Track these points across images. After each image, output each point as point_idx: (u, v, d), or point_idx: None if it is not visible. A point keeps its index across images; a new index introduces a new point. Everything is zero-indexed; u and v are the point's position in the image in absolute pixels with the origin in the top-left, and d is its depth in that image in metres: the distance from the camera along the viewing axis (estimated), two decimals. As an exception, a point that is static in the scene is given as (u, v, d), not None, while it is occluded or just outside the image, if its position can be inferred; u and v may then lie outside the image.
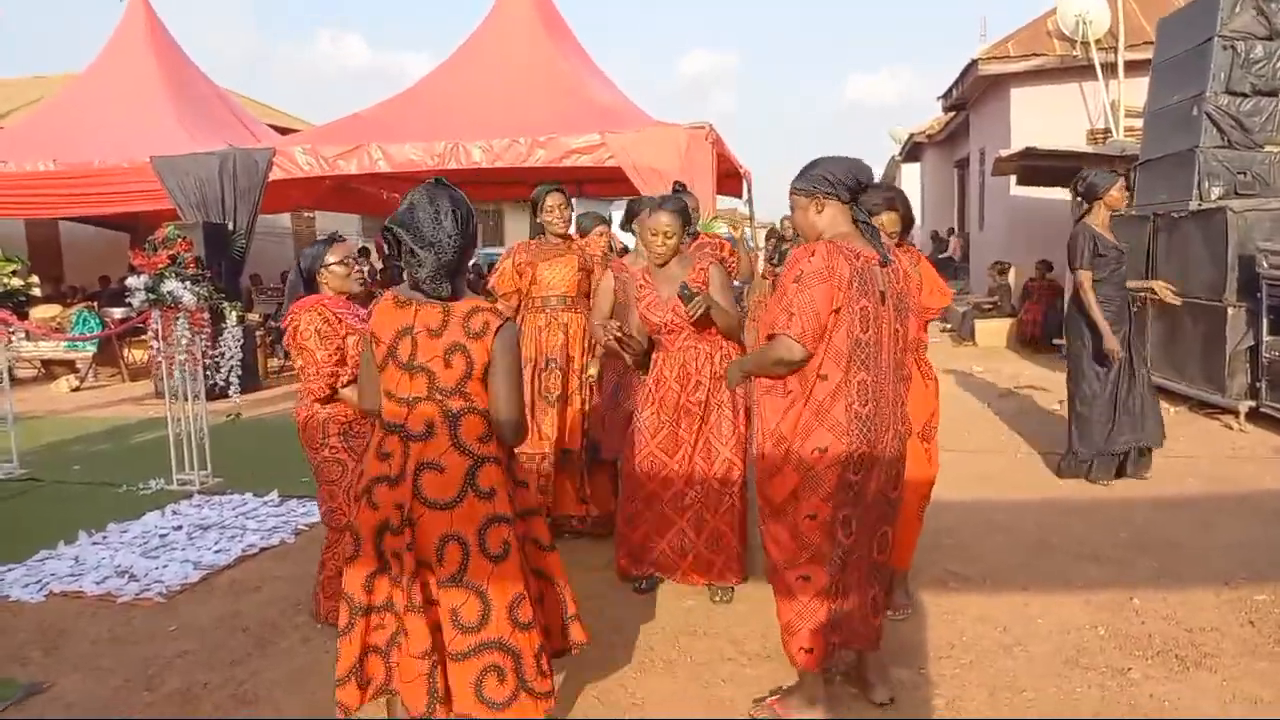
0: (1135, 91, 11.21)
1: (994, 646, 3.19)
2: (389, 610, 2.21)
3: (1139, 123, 10.90)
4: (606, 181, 10.87)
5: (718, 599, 3.60)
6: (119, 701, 2.97)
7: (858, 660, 2.84)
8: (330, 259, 3.30)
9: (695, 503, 3.57)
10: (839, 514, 2.53)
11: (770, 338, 2.54)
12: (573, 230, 4.66)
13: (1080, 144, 10.74)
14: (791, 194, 2.67)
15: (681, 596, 3.69)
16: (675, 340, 3.58)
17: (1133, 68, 10.96)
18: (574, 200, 4.84)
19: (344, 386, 3.17)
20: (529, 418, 4.09)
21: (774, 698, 2.72)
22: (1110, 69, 11.26)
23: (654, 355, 3.68)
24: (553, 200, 4.30)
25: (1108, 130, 11.25)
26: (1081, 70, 11.42)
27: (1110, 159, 9.07)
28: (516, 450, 2.40)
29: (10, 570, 4.13)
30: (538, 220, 4.39)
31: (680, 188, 4.66)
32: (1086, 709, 2.75)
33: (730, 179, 10.44)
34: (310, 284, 3.34)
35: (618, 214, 5.45)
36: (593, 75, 10.34)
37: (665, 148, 8.08)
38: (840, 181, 2.58)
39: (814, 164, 2.65)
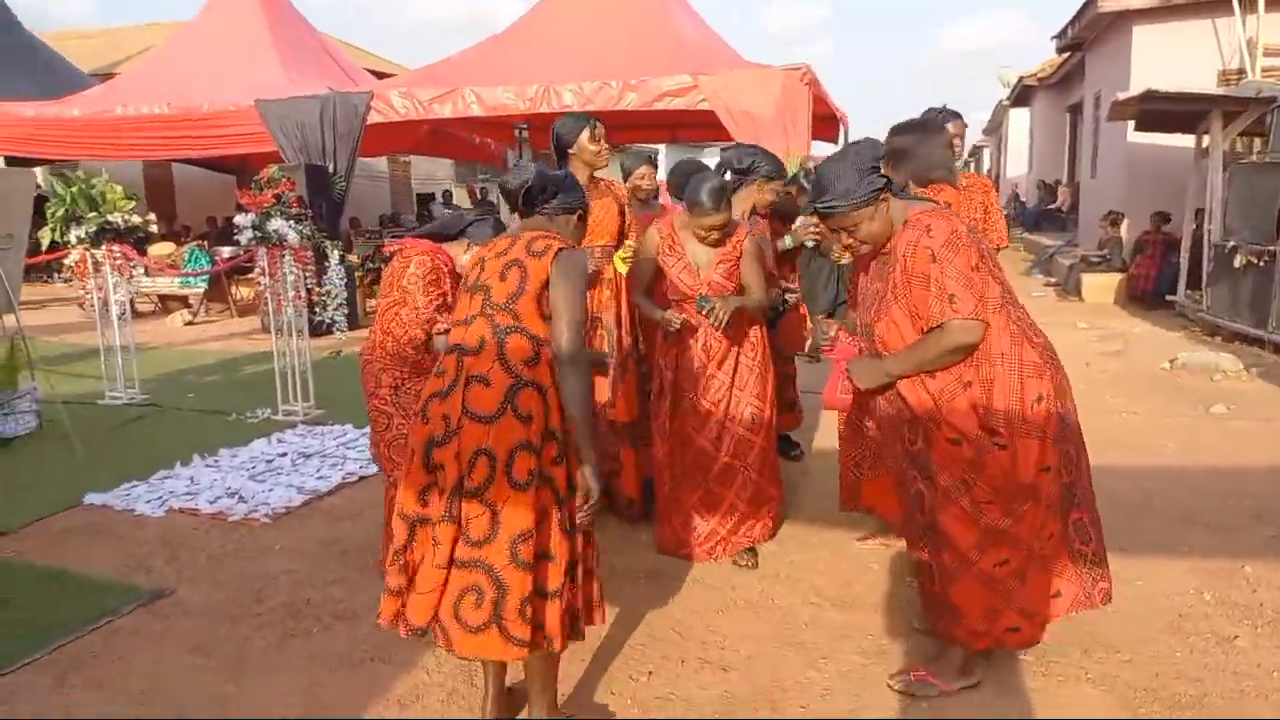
0: (1276, 27, 10.35)
1: (1089, 605, 3.09)
2: (428, 523, 2.22)
3: (1279, 61, 10.09)
4: (700, 126, 10.70)
5: (744, 563, 3.44)
6: (232, 610, 3.17)
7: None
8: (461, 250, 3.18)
9: (732, 472, 3.41)
10: (1064, 450, 2.47)
11: (931, 330, 2.36)
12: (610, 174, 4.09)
13: (1210, 85, 10.00)
14: (844, 215, 2.43)
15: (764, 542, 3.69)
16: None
17: (1275, 1, 10.10)
18: (663, 148, 4.44)
19: (440, 334, 3.06)
20: None
21: (921, 672, 2.60)
22: (1249, 2, 10.39)
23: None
24: (601, 130, 3.63)
25: (1242, 70, 10.44)
26: (1214, 4, 10.57)
27: (1244, 101, 8.42)
28: None
29: (135, 486, 4.44)
30: (572, 153, 3.62)
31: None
32: (1186, 674, 2.65)
33: (825, 123, 10.13)
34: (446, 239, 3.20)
35: (711, 160, 5.01)
36: (685, 14, 10.11)
37: (760, 90, 7.87)
38: (874, 169, 2.42)
39: (834, 176, 2.44)
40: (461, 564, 2.15)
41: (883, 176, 2.43)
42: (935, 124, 3.53)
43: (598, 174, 3.76)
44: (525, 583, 2.12)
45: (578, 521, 2.25)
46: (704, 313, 3.23)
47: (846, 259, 4.34)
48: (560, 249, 2.24)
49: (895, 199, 2.48)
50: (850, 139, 10.84)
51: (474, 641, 2.14)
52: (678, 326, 3.34)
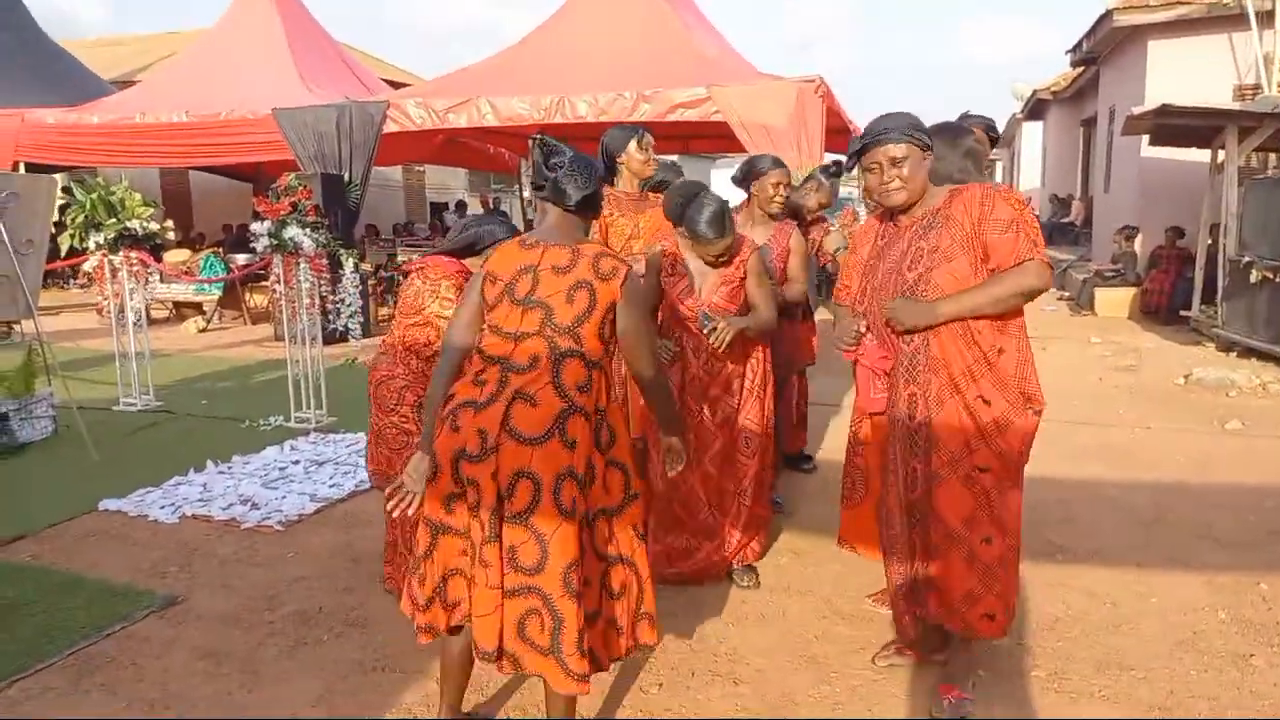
0: (1292, 43, 10.32)
1: (1102, 622, 3.08)
2: (467, 537, 2.15)
3: (1294, 77, 10.04)
4: (712, 138, 10.74)
5: (745, 583, 3.37)
6: (244, 617, 3.19)
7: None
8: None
9: (728, 497, 3.36)
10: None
11: (1010, 269, 2.37)
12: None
13: (1225, 101, 9.97)
14: (894, 146, 2.44)
15: (776, 554, 3.69)
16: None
17: (1291, 17, 10.07)
18: (677, 159, 4.41)
19: None
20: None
21: (951, 693, 2.54)
22: (1266, 17, 10.36)
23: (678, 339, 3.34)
24: (651, 139, 3.67)
25: (1258, 86, 10.40)
26: (1230, 19, 10.54)
27: (1259, 116, 8.39)
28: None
29: (149, 492, 4.46)
30: (621, 163, 3.66)
31: (835, 169, 4.62)
32: (1201, 693, 2.63)
33: (839, 135, 10.15)
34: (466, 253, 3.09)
35: (718, 174, 5.02)
36: (700, 26, 10.16)
37: (774, 102, 7.90)
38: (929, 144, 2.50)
39: (903, 117, 2.50)
40: (513, 592, 2.07)
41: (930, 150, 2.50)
42: (958, 130, 3.25)
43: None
44: (578, 614, 2.06)
45: (671, 474, 2.43)
46: (705, 331, 3.12)
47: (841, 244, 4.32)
48: (628, 272, 2.17)
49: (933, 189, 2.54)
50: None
51: (542, 662, 2.08)
52: (667, 357, 3.29)
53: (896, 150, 2.44)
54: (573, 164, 2.22)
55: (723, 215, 3.13)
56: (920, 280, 2.48)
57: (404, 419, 3.10)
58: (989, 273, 2.42)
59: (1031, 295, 2.41)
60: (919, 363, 2.48)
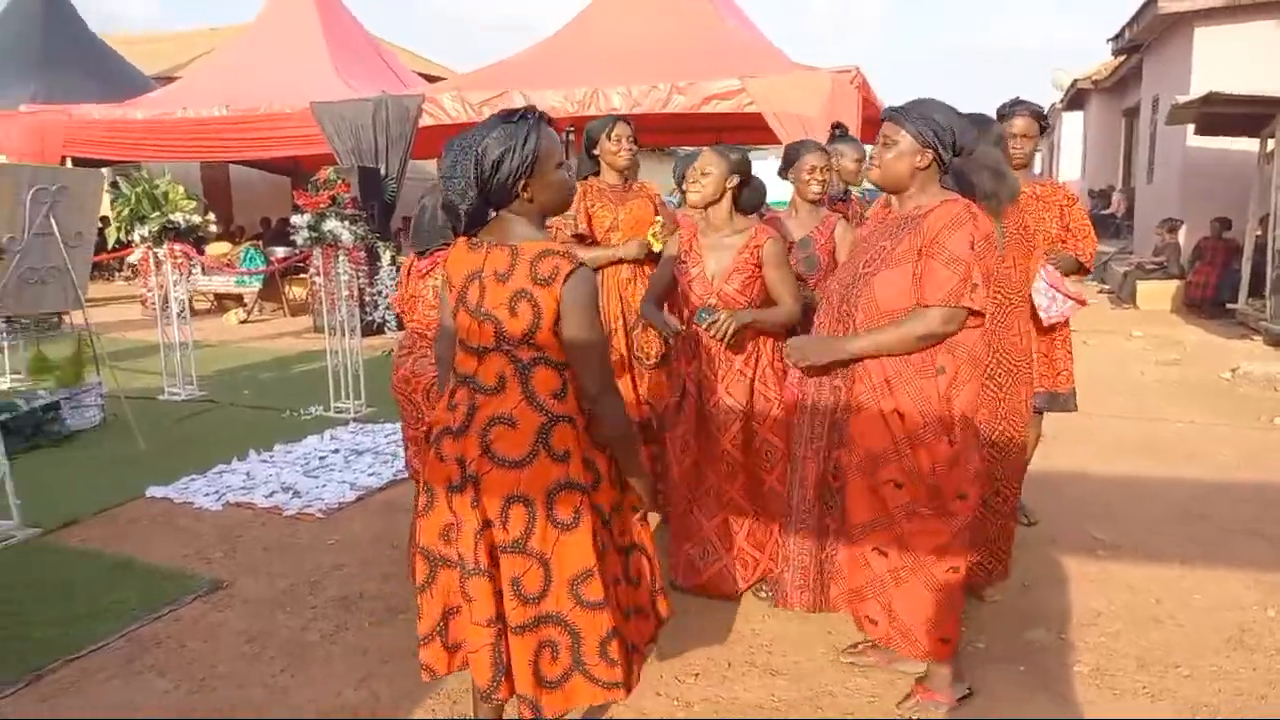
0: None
1: (1145, 617, 3.04)
2: (460, 569, 1.99)
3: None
4: (747, 129, 10.67)
5: (763, 595, 3.19)
6: (287, 602, 3.25)
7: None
8: None
9: (742, 509, 3.15)
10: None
11: (927, 309, 2.31)
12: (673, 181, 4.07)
13: (1275, 88, 9.71)
14: (897, 128, 2.37)
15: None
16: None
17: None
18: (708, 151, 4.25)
19: None
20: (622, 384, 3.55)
21: (920, 693, 2.53)
22: (1316, 3, 10.08)
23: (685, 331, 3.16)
24: (624, 129, 3.64)
25: (1309, 73, 10.12)
26: (1279, 4, 10.27)
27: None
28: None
29: (194, 480, 4.56)
30: (596, 153, 3.69)
31: (840, 131, 4.44)
32: (1249, 691, 2.59)
33: (874, 125, 10.04)
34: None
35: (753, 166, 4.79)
36: (734, 16, 10.10)
37: (808, 93, 7.83)
38: (949, 144, 2.36)
39: (932, 107, 2.37)
40: (521, 629, 1.95)
41: (947, 151, 2.37)
42: (984, 119, 3.00)
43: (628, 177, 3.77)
44: (601, 622, 1.94)
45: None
46: (705, 326, 2.93)
47: None
48: (569, 271, 1.89)
49: (938, 182, 2.43)
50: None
51: (559, 697, 1.98)
52: (669, 335, 3.19)
53: (891, 131, 2.40)
54: (449, 169, 1.92)
55: (740, 157, 3.08)
56: (860, 281, 2.45)
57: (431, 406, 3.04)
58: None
59: (933, 340, 2.33)
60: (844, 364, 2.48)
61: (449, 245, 3.04)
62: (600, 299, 3.48)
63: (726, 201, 3.07)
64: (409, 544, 3.24)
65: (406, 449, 3.25)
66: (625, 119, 3.70)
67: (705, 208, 3.10)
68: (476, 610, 1.96)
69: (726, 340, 2.92)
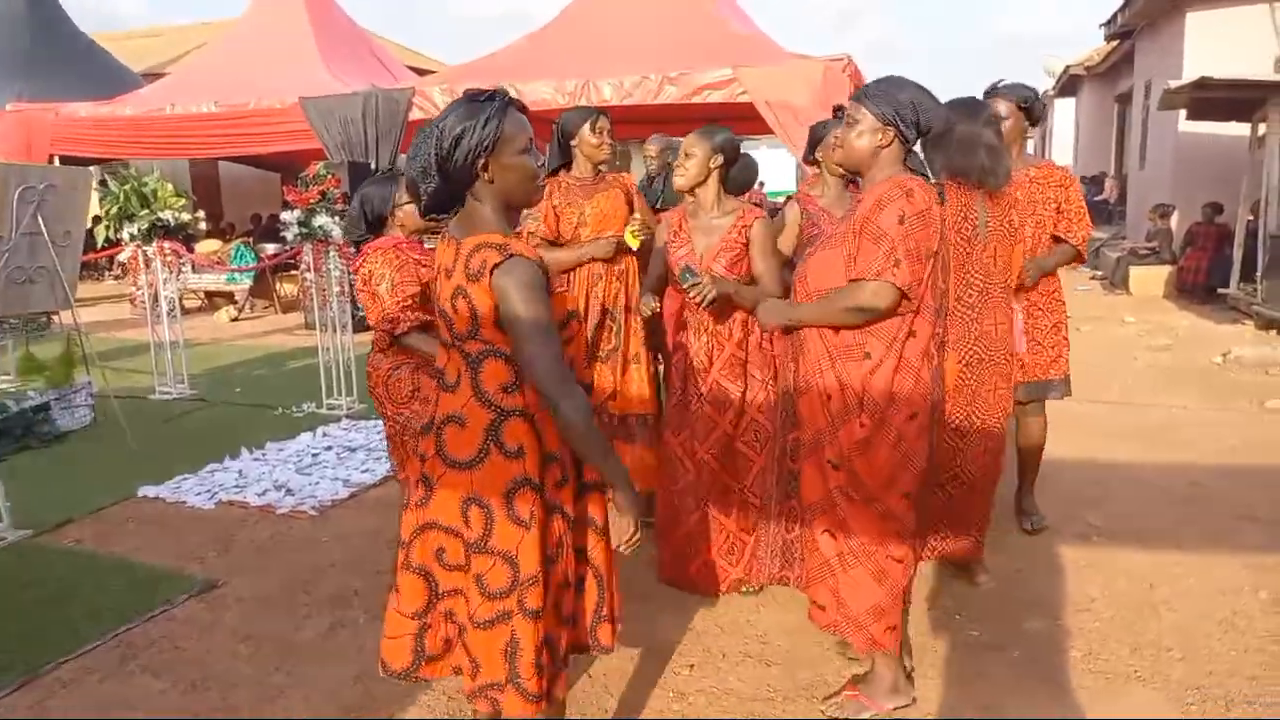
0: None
1: (1139, 603, 3.04)
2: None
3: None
4: (740, 119, 10.64)
5: (748, 590, 3.18)
6: (281, 600, 3.24)
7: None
8: (402, 198, 2.98)
9: (729, 493, 3.09)
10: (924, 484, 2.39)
11: (854, 283, 2.27)
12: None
13: (1267, 72, 9.71)
14: (859, 107, 2.33)
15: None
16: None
17: (1333, -16, 9.77)
18: None
19: (410, 333, 2.91)
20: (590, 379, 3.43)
21: (851, 691, 2.51)
22: (1306, -14, 10.07)
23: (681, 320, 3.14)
24: (606, 122, 3.55)
25: (1300, 56, 10.12)
26: (1271, -11, 10.27)
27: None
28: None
29: (186, 479, 4.55)
30: (574, 145, 3.58)
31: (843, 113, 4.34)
32: (1241, 672, 2.60)
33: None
34: (375, 226, 3.06)
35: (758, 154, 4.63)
36: (725, 5, 10.06)
37: (800, 82, 7.80)
38: (910, 122, 2.29)
39: (896, 85, 2.32)
40: (480, 624, 1.89)
41: (912, 130, 2.30)
42: (973, 104, 3.01)
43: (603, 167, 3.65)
44: (538, 633, 1.88)
45: (623, 552, 2.00)
46: (685, 286, 2.84)
47: None
48: (495, 264, 1.78)
49: (902, 163, 2.34)
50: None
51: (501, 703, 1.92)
52: (648, 314, 3.17)
53: (853, 110, 2.36)
54: (413, 149, 1.87)
55: (725, 136, 3.07)
56: (808, 257, 2.47)
57: (425, 401, 3.01)
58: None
59: (862, 315, 2.28)
60: (796, 341, 2.48)
61: (373, 237, 3.05)
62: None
63: (713, 183, 3.04)
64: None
65: (393, 451, 3.21)
66: (604, 111, 3.60)
67: (691, 190, 3.06)
68: (404, 603, 1.98)
69: (705, 304, 2.83)
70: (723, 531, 3.11)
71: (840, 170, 3.23)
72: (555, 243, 3.55)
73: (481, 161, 1.83)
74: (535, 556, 1.87)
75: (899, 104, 2.29)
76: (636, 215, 3.56)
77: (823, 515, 2.42)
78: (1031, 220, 3.40)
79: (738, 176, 3.11)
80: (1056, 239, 3.52)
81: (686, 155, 3.02)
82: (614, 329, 3.59)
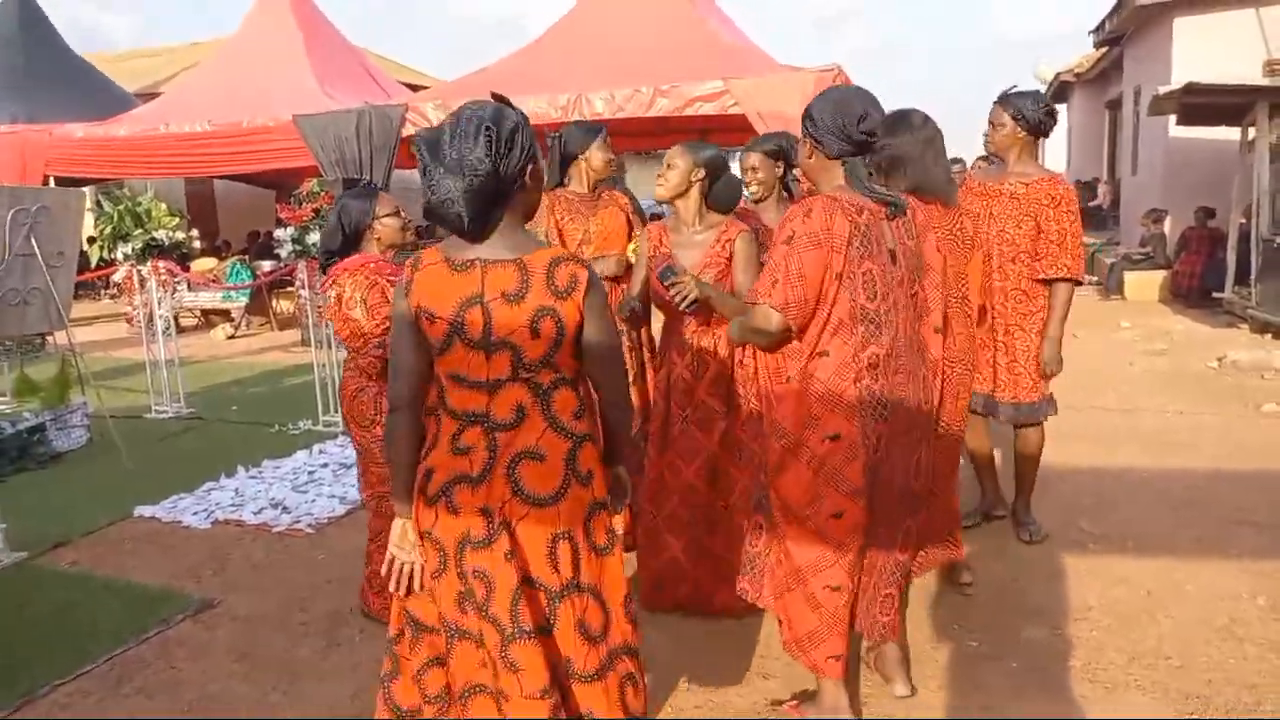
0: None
1: (1136, 610, 3.04)
2: (498, 634, 1.77)
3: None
4: (731, 130, 10.68)
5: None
6: (277, 619, 3.23)
7: (877, 652, 2.62)
8: (381, 211, 2.94)
9: (716, 516, 3.03)
10: (868, 510, 2.26)
11: (753, 304, 2.26)
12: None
13: (1255, 76, 9.77)
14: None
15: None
16: (689, 322, 3.02)
17: (1320, -11, 9.85)
18: None
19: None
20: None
21: (793, 702, 2.52)
22: (1293, -9, 10.14)
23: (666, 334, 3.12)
24: (602, 141, 3.50)
25: (1288, 61, 10.18)
26: (1258, -7, 10.34)
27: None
28: None
29: (182, 499, 4.53)
30: (582, 160, 3.51)
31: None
32: (1240, 681, 2.59)
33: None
34: (352, 240, 2.95)
35: (738, 167, 4.67)
36: (716, 18, 10.12)
37: (791, 92, 7.83)
38: (827, 129, 2.20)
39: (820, 98, 2.26)
40: (597, 674, 1.79)
41: (830, 140, 2.22)
42: (921, 122, 2.86)
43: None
44: (640, 636, 1.91)
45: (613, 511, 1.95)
46: (666, 285, 2.79)
47: None
48: (589, 280, 1.75)
49: (835, 171, 2.25)
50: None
51: None
52: (626, 314, 3.17)
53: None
54: (443, 158, 1.67)
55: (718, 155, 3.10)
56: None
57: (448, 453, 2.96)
58: None
59: (761, 336, 2.25)
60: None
61: (340, 257, 2.89)
62: None
63: (694, 196, 3.02)
64: (366, 577, 3.16)
65: (360, 473, 3.13)
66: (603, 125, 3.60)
67: (672, 201, 3.06)
68: (528, 682, 1.73)
69: (686, 305, 2.76)
70: (710, 557, 3.05)
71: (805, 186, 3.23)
72: None
73: (530, 166, 1.73)
74: (621, 572, 1.87)
75: (809, 118, 2.26)
76: (640, 234, 3.50)
77: (770, 534, 2.41)
78: (976, 240, 3.25)
79: (721, 193, 3.08)
80: (1045, 281, 3.34)
81: (669, 166, 3.01)
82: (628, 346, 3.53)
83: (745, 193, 3.33)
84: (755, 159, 3.20)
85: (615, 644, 1.84)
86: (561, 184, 3.55)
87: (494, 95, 1.78)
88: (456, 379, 1.78)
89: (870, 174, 2.28)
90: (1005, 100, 3.41)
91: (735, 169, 3.67)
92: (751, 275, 2.96)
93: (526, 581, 1.77)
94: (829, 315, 2.20)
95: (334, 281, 2.88)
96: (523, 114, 1.76)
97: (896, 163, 2.75)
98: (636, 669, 1.89)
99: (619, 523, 1.99)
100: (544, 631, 1.78)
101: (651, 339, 3.60)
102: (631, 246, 3.52)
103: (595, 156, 3.49)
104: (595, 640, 1.80)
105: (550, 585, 1.77)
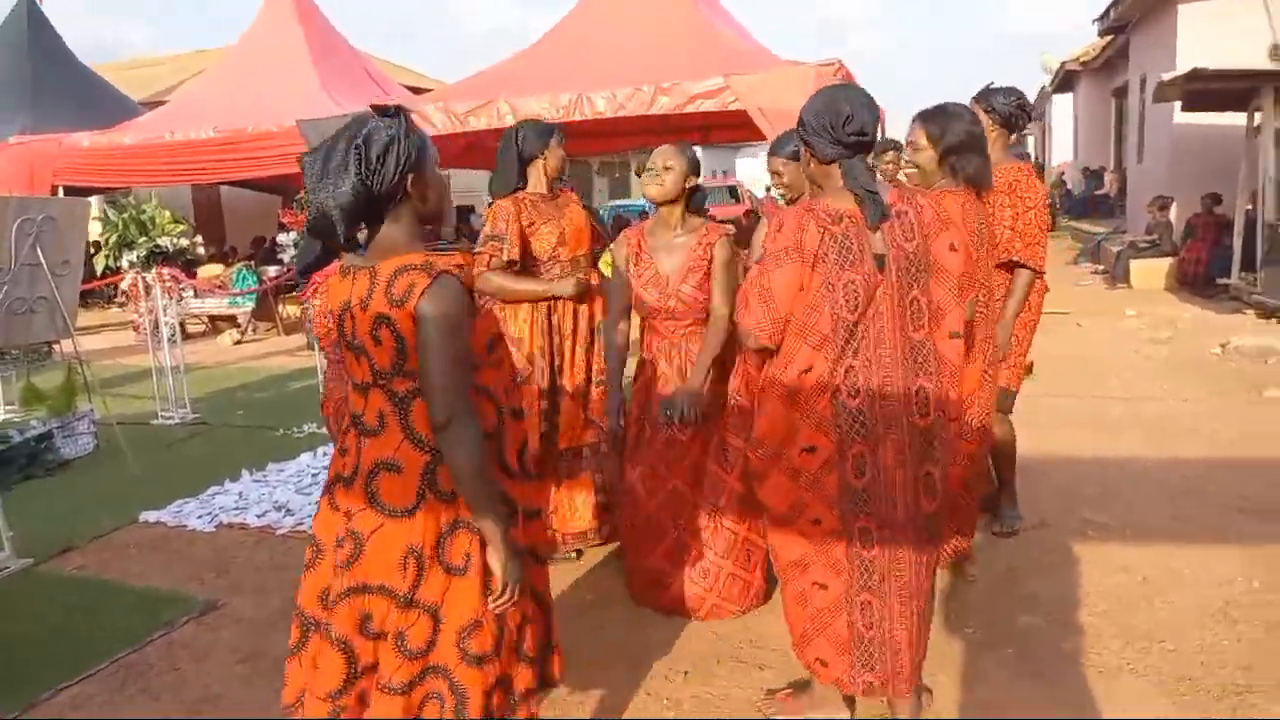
0: (1326, -1, 10.01)
1: (1133, 596, 3.04)
2: (320, 632, 1.79)
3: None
4: (732, 127, 10.69)
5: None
6: (280, 621, 3.26)
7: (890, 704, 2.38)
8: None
9: (713, 520, 3.02)
10: (852, 524, 2.18)
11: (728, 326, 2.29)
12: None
13: (1260, 62, 9.71)
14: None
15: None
16: (676, 327, 3.04)
17: (1324, -28, 9.77)
18: (700, 149, 4.04)
19: None
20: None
21: (786, 691, 2.54)
22: (1296, -26, 10.07)
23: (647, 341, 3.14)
24: (559, 139, 3.46)
25: (1292, 45, 10.12)
26: (1261, -22, 10.27)
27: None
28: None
29: (187, 503, 4.58)
30: (543, 159, 3.44)
31: None
32: (1233, 662, 2.59)
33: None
34: (331, 251, 2.98)
35: (742, 163, 4.73)
36: (717, 15, 10.12)
37: (792, 88, 7.80)
38: (815, 132, 2.13)
39: (810, 100, 2.18)
40: (403, 688, 1.74)
41: (821, 143, 2.13)
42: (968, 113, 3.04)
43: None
44: (487, 679, 1.75)
45: (494, 611, 1.77)
46: (672, 421, 2.90)
47: None
48: (425, 286, 1.65)
49: (833, 173, 2.16)
50: (886, 133, 10.76)
51: None
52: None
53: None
54: (318, 174, 1.69)
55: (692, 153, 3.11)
56: None
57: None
58: None
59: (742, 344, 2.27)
60: None
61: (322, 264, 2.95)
62: (519, 330, 3.37)
63: (682, 200, 3.03)
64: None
65: None
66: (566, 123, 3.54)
67: (662, 205, 3.04)
68: (321, 682, 1.76)
69: (699, 420, 2.89)
70: (695, 561, 3.03)
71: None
72: (511, 264, 3.36)
73: (411, 176, 1.72)
74: (476, 600, 1.75)
75: (802, 121, 2.18)
76: (613, 247, 3.38)
77: (768, 534, 2.42)
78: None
79: (698, 195, 3.11)
80: (1008, 264, 3.28)
81: (666, 168, 2.98)
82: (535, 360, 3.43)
83: (775, 194, 3.31)
84: (779, 163, 3.05)
85: (434, 663, 1.75)
86: (520, 186, 3.47)
87: (373, 106, 1.75)
88: (349, 380, 1.83)
89: (870, 174, 2.16)
90: (980, 98, 3.45)
91: (739, 167, 3.67)
92: (723, 281, 2.96)
93: (360, 590, 1.74)
94: (805, 328, 2.13)
95: (316, 290, 2.93)
96: (405, 125, 1.73)
97: (963, 152, 2.93)
98: (450, 700, 1.75)
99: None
100: (375, 637, 1.76)
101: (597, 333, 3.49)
102: (604, 259, 3.46)
103: (553, 156, 3.44)
104: (411, 655, 1.74)
105: (397, 591, 1.73)
